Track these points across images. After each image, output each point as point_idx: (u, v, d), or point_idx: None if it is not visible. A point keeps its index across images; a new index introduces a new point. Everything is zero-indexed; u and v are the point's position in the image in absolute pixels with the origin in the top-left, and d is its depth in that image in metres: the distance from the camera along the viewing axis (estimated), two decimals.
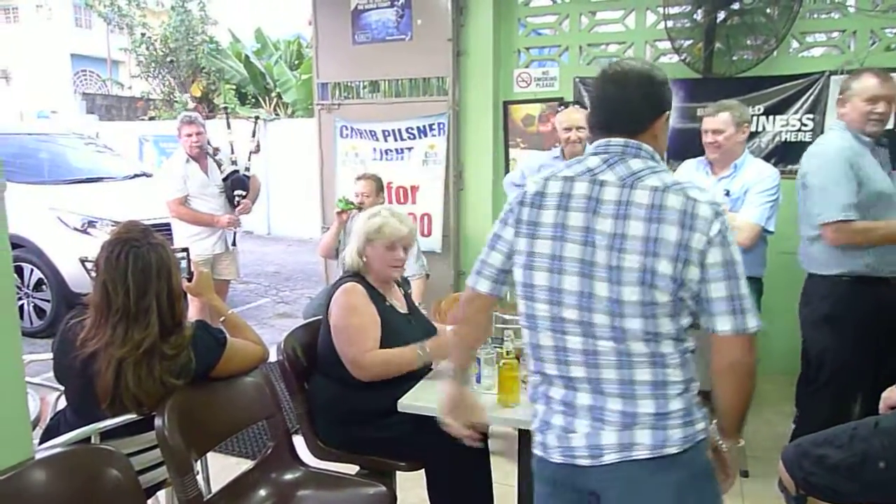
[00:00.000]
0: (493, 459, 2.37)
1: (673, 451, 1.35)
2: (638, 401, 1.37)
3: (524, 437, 2.14)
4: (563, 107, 4.03)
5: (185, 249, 2.21)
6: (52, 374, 2.01)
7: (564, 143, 3.47)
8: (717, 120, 2.98)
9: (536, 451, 1.50)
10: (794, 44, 3.91)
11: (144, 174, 6.70)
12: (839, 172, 2.46)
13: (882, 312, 2.50)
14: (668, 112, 1.48)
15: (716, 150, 3.02)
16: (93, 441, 1.81)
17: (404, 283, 2.69)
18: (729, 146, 2.99)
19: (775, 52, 3.76)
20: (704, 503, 1.42)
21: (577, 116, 3.45)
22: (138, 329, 1.82)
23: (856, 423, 1.84)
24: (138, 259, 1.83)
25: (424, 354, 2.27)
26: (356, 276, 2.39)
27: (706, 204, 1.35)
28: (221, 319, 2.16)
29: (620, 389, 1.38)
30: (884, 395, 1.87)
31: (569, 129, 3.42)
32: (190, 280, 2.17)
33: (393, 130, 4.73)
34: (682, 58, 3.99)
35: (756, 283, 3.04)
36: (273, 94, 13.76)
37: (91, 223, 5.35)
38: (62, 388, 2.05)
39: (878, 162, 2.59)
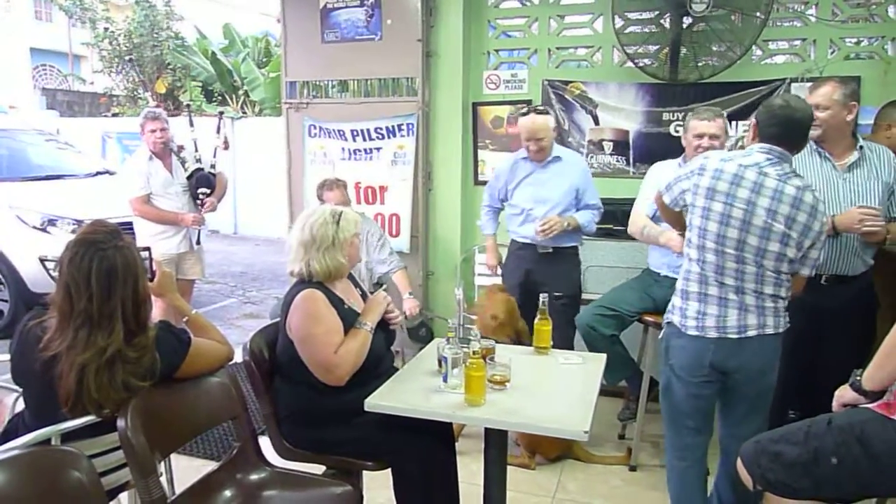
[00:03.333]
0: (459, 459, 2.38)
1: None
2: (765, 304, 2.23)
3: (490, 436, 2.16)
4: (526, 109, 3.70)
5: (147, 249, 2.16)
6: (9, 376, 1.96)
7: (528, 152, 3.45)
8: (714, 125, 2.96)
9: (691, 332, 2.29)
10: (757, 51, 4.00)
11: (107, 172, 6.57)
12: None
13: (812, 317, 2.57)
14: None
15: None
16: (53, 443, 1.77)
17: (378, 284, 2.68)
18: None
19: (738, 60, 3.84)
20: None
21: (534, 126, 3.34)
22: (102, 335, 1.78)
23: (810, 420, 1.89)
24: (103, 262, 1.78)
25: (368, 325, 2.32)
26: (311, 282, 2.33)
27: (822, 202, 2.22)
28: (185, 320, 2.13)
29: (755, 298, 2.22)
30: (836, 393, 1.93)
31: (528, 140, 3.38)
32: (152, 280, 2.13)
33: (362, 130, 4.71)
34: (649, 62, 4.05)
35: None
36: (241, 92, 13.59)
37: (51, 221, 5.24)
38: (19, 390, 2.01)
39: (823, 162, 2.66)
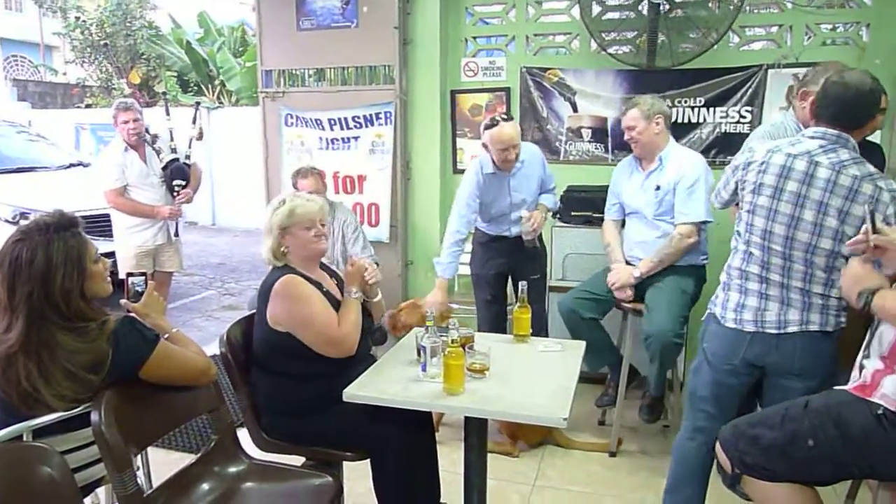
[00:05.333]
0: (439, 448, 2.37)
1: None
2: (812, 300, 2.07)
3: (470, 424, 2.16)
4: (490, 121, 3.31)
5: (144, 274, 2.16)
6: None
7: (501, 162, 3.29)
8: (627, 117, 3.10)
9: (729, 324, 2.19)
10: (734, 38, 4.01)
11: (81, 164, 6.48)
12: None
13: None
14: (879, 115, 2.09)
15: (634, 145, 3.13)
16: (25, 439, 1.73)
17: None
18: (645, 140, 3.07)
19: (715, 46, 3.85)
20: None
21: (509, 134, 3.20)
22: (15, 324, 1.75)
23: (788, 403, 1.90)
24: (16, 253, 1.76)
25: (355, 290, 2.37)
26: (285, 267, 2.32)
27: (888, 192, 1.93)
28: (165, 337, 2.08)
29: (801, 295, 2.07)
30: (846, 270, 1.86)
31: (505, 150, 3.23)
32: (137, 300, 2.10)
33: (339, 119, 4.67)
34: (627, 50, 4.05)
35: (699, 271, 3.13)
36: (216, 82, 13.43)
37: (23, 214, 5.15)
38: None
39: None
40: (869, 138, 2.68)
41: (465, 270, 4.25)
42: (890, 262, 1.80)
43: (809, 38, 3.89)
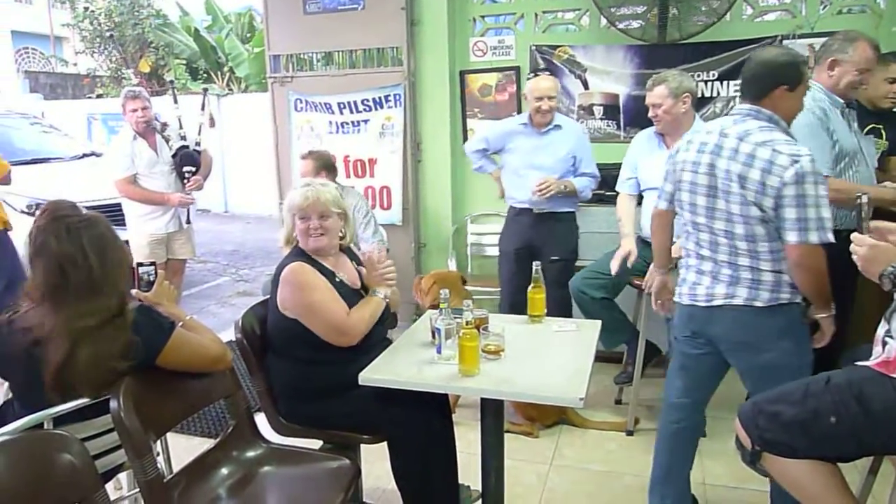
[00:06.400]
0: (455, 429, 2.37)
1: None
2: (741, 273, 2.11)
3: (486, 405, 2.16)
4: (533, 74, 4.01)
5: (153, 263, 2.18)
6: None
7: (535, 112, 3.45)
8: (654, 94, 3.02)
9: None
10: (748, 9, 3.94)
11: (94, 154, 6.50)
12: (817, 129, 2.50)
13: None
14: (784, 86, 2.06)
15: (658, 123, 3.07)
16: (45, 427, 1.75)
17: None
18: (670, 118, 3.01)
19: (728, 16, 3.78)
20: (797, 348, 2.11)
21: (546, 85, 3.42)
22: (102, 300, 1.79)
23: (808, 379, 1.88)
24: (90, 229, 1.81)
25: (381, 293, 2.36)
26: (300, 254, 2.33)
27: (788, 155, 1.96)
28: (180, 324, 2.08)
29: (730, 269, 2.12)
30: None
31: (539, 99, 3.40)
32: (149, 290, 2.12)
33: (348, 103, 4.65)
34: (637, 24, 3.99)
35: None
36: (225, 69, 13.42)
37: (38, 205, 5.15)
38: (4, 381, 1.99)
39: (846, 122, 2.65)
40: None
41: (478, 252, 4.24)
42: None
43: (825, 6, 3.82)
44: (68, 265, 1.77)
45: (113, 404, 1.73)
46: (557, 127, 3.48)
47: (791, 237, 1.98)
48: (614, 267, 3.10)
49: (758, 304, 2.09)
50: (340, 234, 2.42)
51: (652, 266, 2.60)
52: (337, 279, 2.34)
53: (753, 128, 2.06)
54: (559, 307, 3.16)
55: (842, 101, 2.64)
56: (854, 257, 1.77)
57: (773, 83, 2.07)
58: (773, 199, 1.98)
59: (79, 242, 1.78)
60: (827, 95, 2.61)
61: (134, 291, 2.07)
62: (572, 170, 3.51)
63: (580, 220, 3.71)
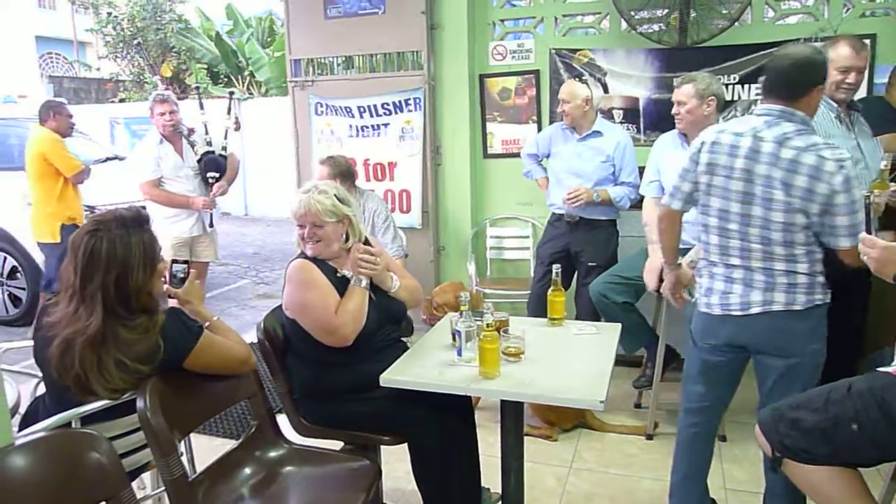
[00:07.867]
0: (477, 431, 2.38)
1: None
2: (777, 279, 2.07)
3: (506, 408, 2.17)
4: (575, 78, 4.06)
5: (187, 261, 2.20)
6: (31, 361, 1.98)
7: (560, 113, 3.59)
8: (680, 92, 3.01)
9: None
10: (770, 12, 3.92)
11: (117, 157, 6.58)
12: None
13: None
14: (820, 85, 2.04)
15: (680, 121, 3.05)
16: (73, 426, 1.79)
17: None
18: (693, 119, 2.99)
19: (749, 20, 3.76)
20: (821, 349, 2.12)
21: (564, 90, 3.55)
22: (85, 313, 1.79)
23: (830, 386, 1.87)
24: (91, 243, 1.80)
25: (363, 280, 2.27)
26: (302, 254, 2.36)
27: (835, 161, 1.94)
28: (207, 325, 2.11)
29: (764, 275, 2.08)
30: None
31: (560, 102, 3.53)
32: (181, 285, 2.14)
33: (368, 106, 4.68)
34: (658, 28, 3.98)
35: None
36: (246, 73, 13.55)
37: None
38: (40, 375, 2.02)
39: (844, 125, 2.67)
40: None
41: (497, 255, 4.23)
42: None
43: (848, 9, 3.78)
44: (93, 270, 1.79)
45: (139, 404, 1.77)
46: (597, 133, 3.51)
47: (844, 242, 1.98)
48: (651, 284, 2.98)
49: (796, 307, 2.07)
50: (344, 238, 2.37)
51: (663, 265, 2.55)
52: (338, 274, 2.33)
53: (790, 131, 2.00)
54: (586, 312, 3.16)
55: (836, 104, 2.67)
56: (864, 258, 1.77)
57: (810, 83, 2.03)
58: (821, 205, 1.96)
59: (77, 250, 1.80)
60: (823, 101, 2.60)
61: (165, 287, 2.09)
62: (611, 178, 3.51)
63: None
